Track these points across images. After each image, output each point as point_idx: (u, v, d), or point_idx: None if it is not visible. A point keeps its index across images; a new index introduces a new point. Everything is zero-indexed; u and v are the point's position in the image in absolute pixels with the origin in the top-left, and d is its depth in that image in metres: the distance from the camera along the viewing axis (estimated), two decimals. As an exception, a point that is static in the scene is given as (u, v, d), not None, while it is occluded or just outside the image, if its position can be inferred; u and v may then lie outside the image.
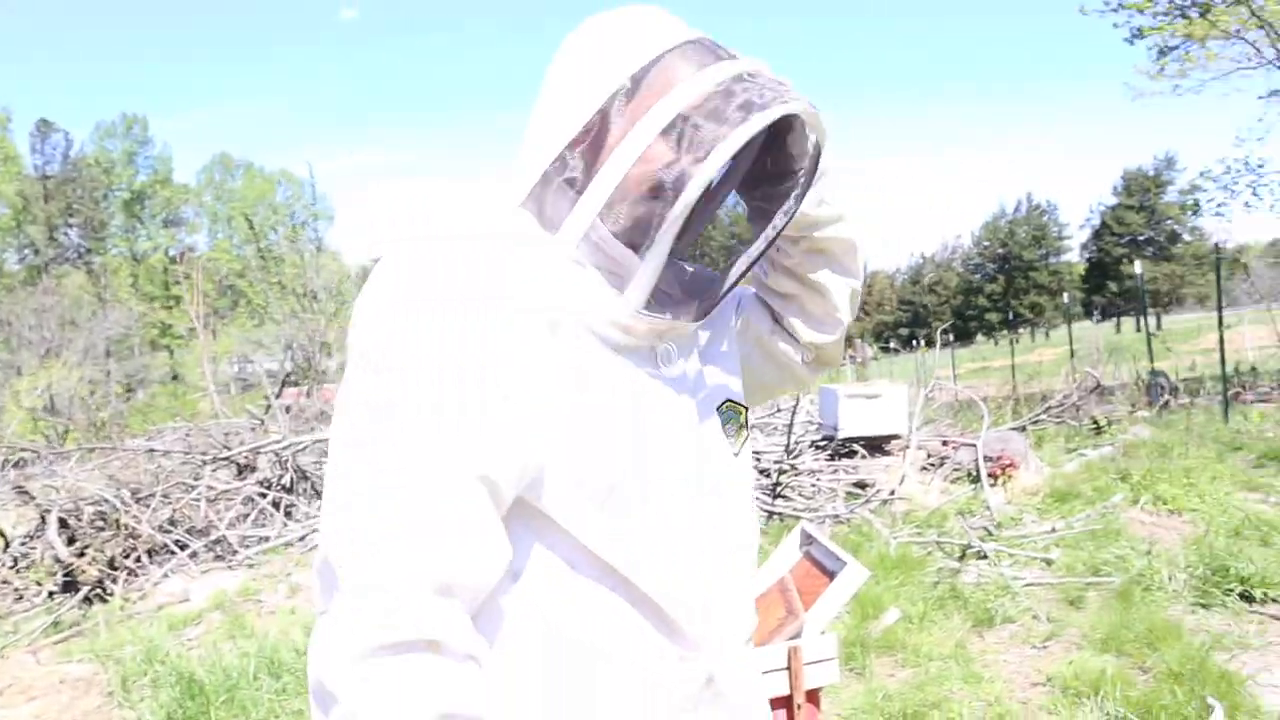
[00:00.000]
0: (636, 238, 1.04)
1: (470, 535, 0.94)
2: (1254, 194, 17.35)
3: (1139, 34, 16.26)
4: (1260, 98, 16.34)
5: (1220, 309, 11.27)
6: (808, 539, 3.59)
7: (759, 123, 1.00)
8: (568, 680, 1.05)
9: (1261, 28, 12.85)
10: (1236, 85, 16.62)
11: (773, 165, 1.17)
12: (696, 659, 1.11)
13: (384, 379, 0.95)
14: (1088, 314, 52.35)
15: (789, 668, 2.91)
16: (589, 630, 1.05)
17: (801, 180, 1.14)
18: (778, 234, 1.16)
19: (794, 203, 1.14)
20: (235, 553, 6.93)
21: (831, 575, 3.32)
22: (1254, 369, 16.01)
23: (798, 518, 6.58)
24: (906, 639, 4.48)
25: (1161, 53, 16.48)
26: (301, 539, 7.24)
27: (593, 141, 1.07)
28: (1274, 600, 4.73)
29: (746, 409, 1.29)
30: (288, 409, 9.38)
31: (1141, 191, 69.61)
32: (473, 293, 0.98)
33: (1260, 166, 17.02)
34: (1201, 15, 15.02)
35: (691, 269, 1.22)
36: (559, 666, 1.05)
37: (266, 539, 7.18)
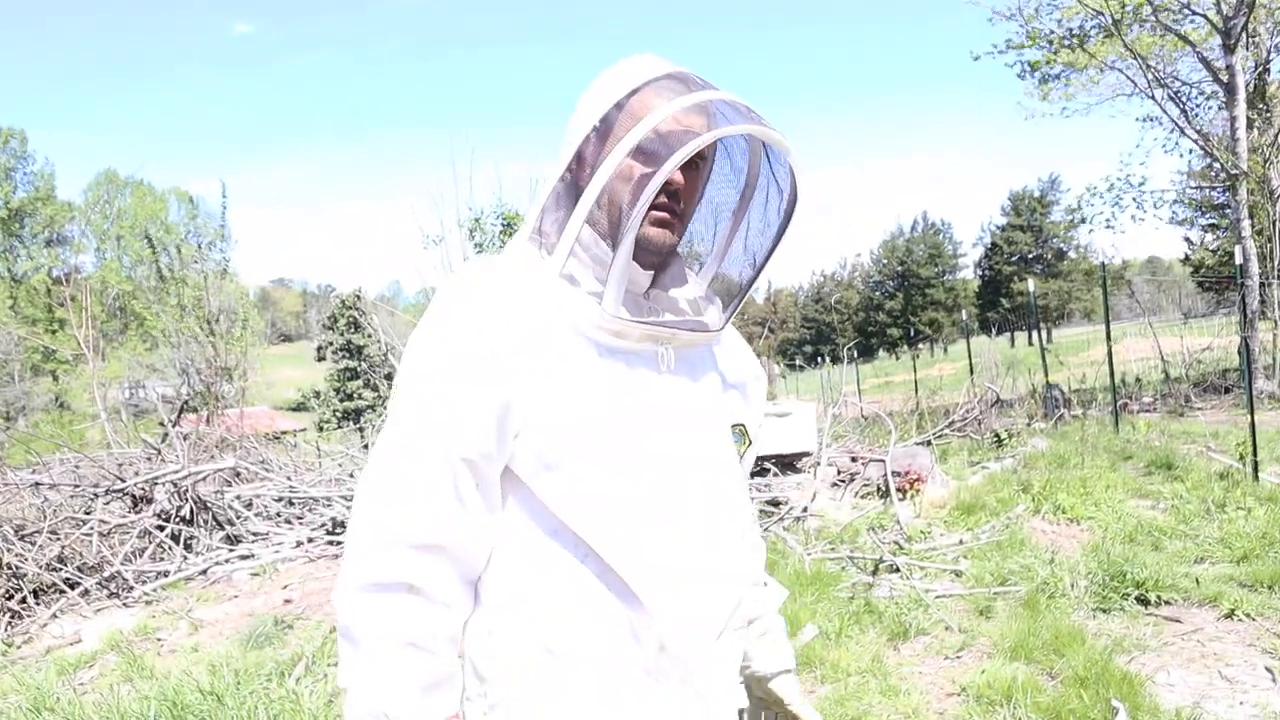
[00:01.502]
0: (615, 240, 1.27)
1: (445, 502, 1.21)
2: (1138, 207, 18.45)
3: (1031, 68, 17.07)
4: (1138, 119, 17.32)
5: (1108, 324, 11.81)
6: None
7: (709, 138, 1.20)
8: (535, 636, 1.25)
9: (1134, 59, 13.61)
10: (1122, 108, 17.61)
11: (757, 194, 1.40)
12: (650, 626, 1.25)
13: (400, 381, 1.25)
14: (984, 329, 54.31)
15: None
16: (557, 592, 1.25)
17: (783, 208, 1.35)
18: (763, 260, 1.38)
19: (780, 225, 1.36)
20: (131, 589, 6.60)
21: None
22: (1138, 380, 16.83)
23: (714, 536, 6.61)
24: (825, 655, 4.53)
25: (1044, 79, 17.34)
26: (203, 573, 6.94)
27: (579, 169, 1.30)
28: (1167, 602, 4.95)
29: (750, 439, 1.49)
30: (186, 437, 9.00)
31: (1029, 211, 72.68)
32: (468, 312, 1.23)
33: (1142, 183, 18.08)
34: (1080, 47, 15.85)
35: (676, 292, 1.40)
36: (530, 624, 1.25)
37: (165, 574, 6.86)
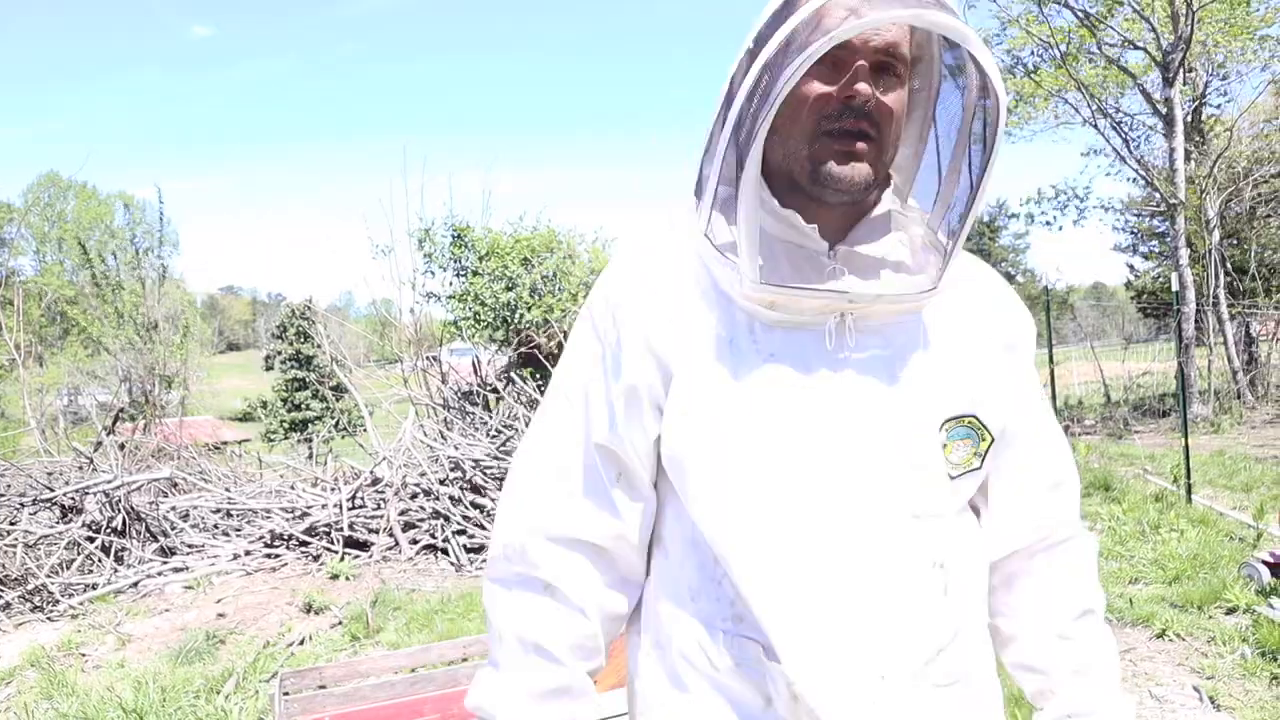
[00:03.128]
0: (782, 177, 1.09)
1: (582, 498, 1.14)
2: (1080, 214, 19.18)
3: None
4: (1082, 154, 17.90)
5: (1051, 347, 12.04)
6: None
7: (830, 41, 0.93)
8: (660, 640, 1.16)
9: (1079, 90, 13.97)
10: (1065, 135, 18.23)
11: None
12: (782, 675, 1.05)
13: (559, 363, 1.21)
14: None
15: None
16: (685, 595, 1.14)
17: (976, 116, 1.06)
18: (972, 198, 1.06)
19: (980, 150, 1.06)
20: (57, 603, 6.38)
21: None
22: (1080, 402, 17.17)
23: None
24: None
25: None
26: (134, 585, 6.74)
27: (729, 103, 1.04)
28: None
29: (987, 430, 1.12)
30: (122, 446, 8.76)
31: (977, 235, 74.11)
32: (605, 292, 1.15)
33: (1086, 189, 18.87)
34: (1028, 75, 16.25)
35: (872, 247, 1.12)
36: (657, 627, 1.17)
37: (94, 586, 6.65)
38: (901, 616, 1.06)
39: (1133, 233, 28.29)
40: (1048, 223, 19.84)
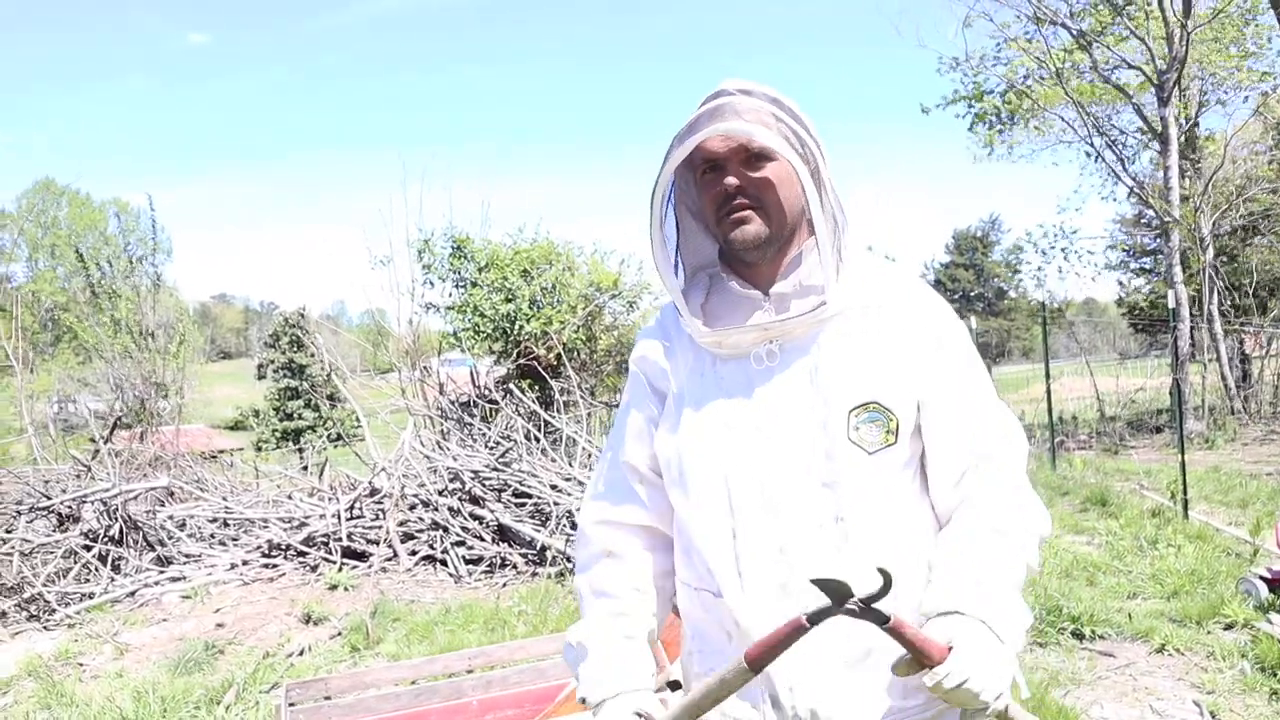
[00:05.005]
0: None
1: (619, 497, 1.62)
2: (1065, 258, 18.96)
3: (978, 118, 17.56)
4: (1081, 168, 17.93)
5: (1047, 362, 12.09)
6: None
7: (668, 164, 1.45)
8: (681, 601, 1.60)
9: (1076, 107, 14.07)
10: (1062, 155, 18.21)
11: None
12: (722, 606, 1.45)
13: None
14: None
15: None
16: (684, 577, 1.57)
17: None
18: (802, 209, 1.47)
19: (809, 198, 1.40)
20: (53, 612, 6.36)
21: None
22: (1075, 418, 17.22)
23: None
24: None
25: (990, 125, 17.82)
26: (131, 594, 6.71)
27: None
28: (1101, 637, 5.03)
29: (892, 413, 1.43)
30: (118, 454, 8.73)
31: (970, 250, 74.33)
32: (635, 354, 1.65)
33: (1074, 233, 18.61)
34: (1025, 95, 16.37)
35: (790, 283, 1.50)
36: (682, 601, 1.60)
37: (91, 595, 6.62)
38: (807, 561, 1.39)
39: (1125, 250, 28.39)
40: (1035, 277, 19.89)
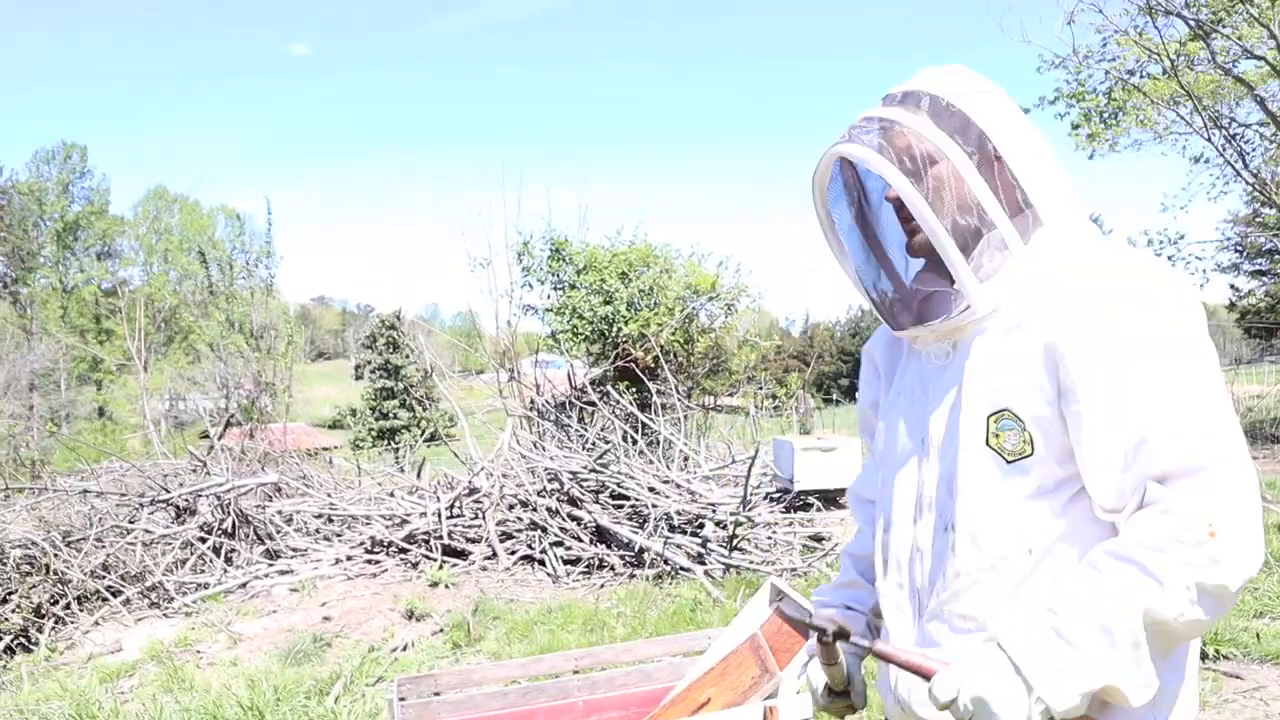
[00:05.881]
0: None
1: (863, 473, 1.84)
2: (1172, 264, 17.94)
3: (1084, 118, 16.89)
4: (1192, 160, 17.01)
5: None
6: (778, 594, 3.53)
7: (815, 181, 1.55)
8: None
9: (1191, 100, 13.44)
10: (1169, 149, 17.30)
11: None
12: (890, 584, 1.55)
13: None
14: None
15: (766, 729, 2.84)
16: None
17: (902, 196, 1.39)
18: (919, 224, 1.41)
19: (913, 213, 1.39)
20: (171, 600, 6.64)
21: (804, 631, 3.26)
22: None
23: (755, 570, 6.53)
24: (871, 697, 4.42)
25: (1090, 121, 17.11)
26: (242, 586, 6.96)
27: None
28: (1225, 657, 4.79)
29: (1023, 421, 1.33)
30: (231, 450, 9.08)
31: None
32: (865, 351, 1.80)
33: (1180, 238, 17.62)
34: (1135, 88, 15.70)
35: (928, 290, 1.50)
36: None
37: (205, 585, 6.89)
38: (921, 566, 1.45)
39: (1237, 250, 27.08)
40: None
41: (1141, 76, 14.89)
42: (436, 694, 3.53)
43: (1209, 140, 14.03)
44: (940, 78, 1.43)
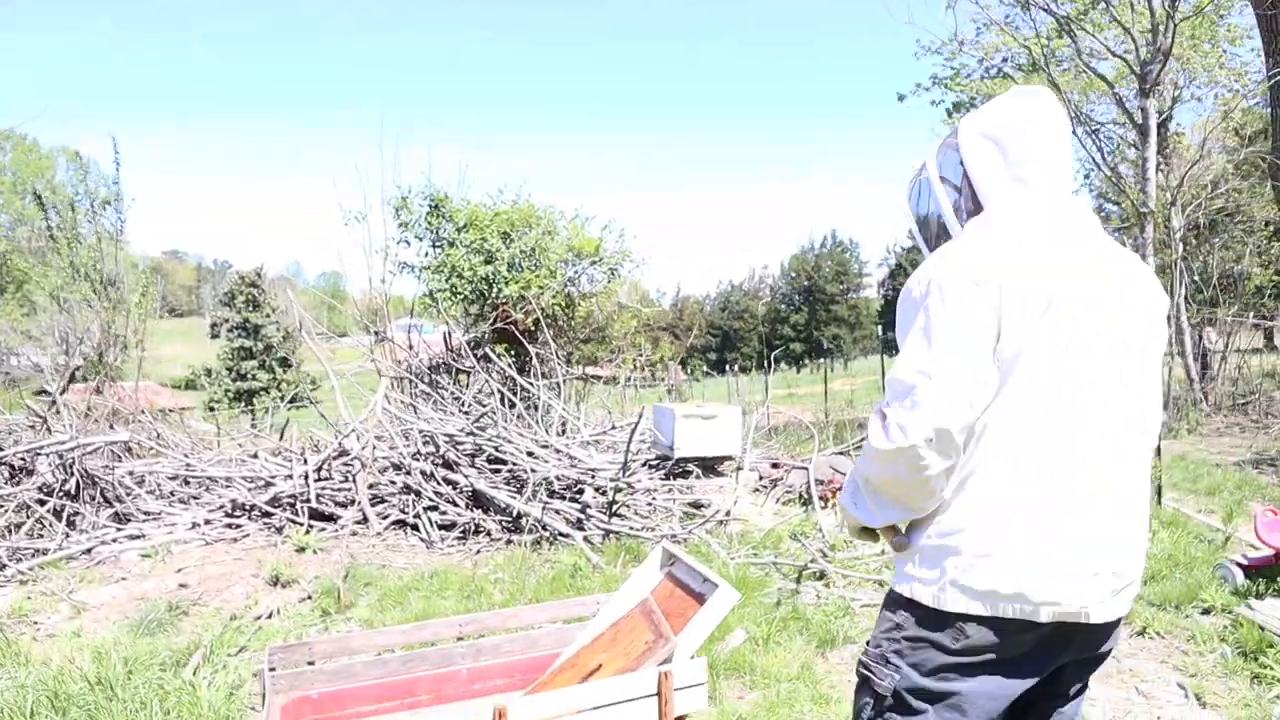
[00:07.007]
0: None
1: None
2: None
3: (954, 109, 17.48)
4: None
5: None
6: (669, 559, 3.48)
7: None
8: None
9: (1058, 91, 14.08)
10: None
11: None
12: None
13: None
14: (886, 348, 55.64)
15: (659, 693, 2.78)
16: None
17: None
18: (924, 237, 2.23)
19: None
20: (4, 567, 6.10)
21: (697, 596, 3.22)
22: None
23: (635, 537, 6.49)
24: (754, 661, 4.45)
25: (962, 111, 17.80)
26: (87, 552, 6.46)
27: None
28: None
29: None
30: (75, 407, 8.41)
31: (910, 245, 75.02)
32: None
33: None
34: (1004, 77, 16.35)
35: None
36: None
37: (44, 552, 6.36)
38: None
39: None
40: None
41: (1015, 67, 15.50)
42: (310, 663, 3.32)
43: (1074, 135, 14.73)
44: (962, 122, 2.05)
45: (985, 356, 1.69)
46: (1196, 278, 16.08)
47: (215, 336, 48.31)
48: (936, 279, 1.76)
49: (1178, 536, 6.47)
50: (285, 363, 44.72)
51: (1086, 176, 19.01)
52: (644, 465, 8.22)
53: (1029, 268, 1.72)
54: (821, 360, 63.10)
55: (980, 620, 1.74)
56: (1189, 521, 6.96)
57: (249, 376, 44.32)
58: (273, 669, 3.19)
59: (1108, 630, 1.88)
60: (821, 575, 5.72)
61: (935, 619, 1.78)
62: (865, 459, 1.83)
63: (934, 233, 2.09)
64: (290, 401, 18.87)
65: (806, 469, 7.58)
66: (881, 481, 1.81)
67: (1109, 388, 1.76)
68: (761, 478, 8.02)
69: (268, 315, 45.41)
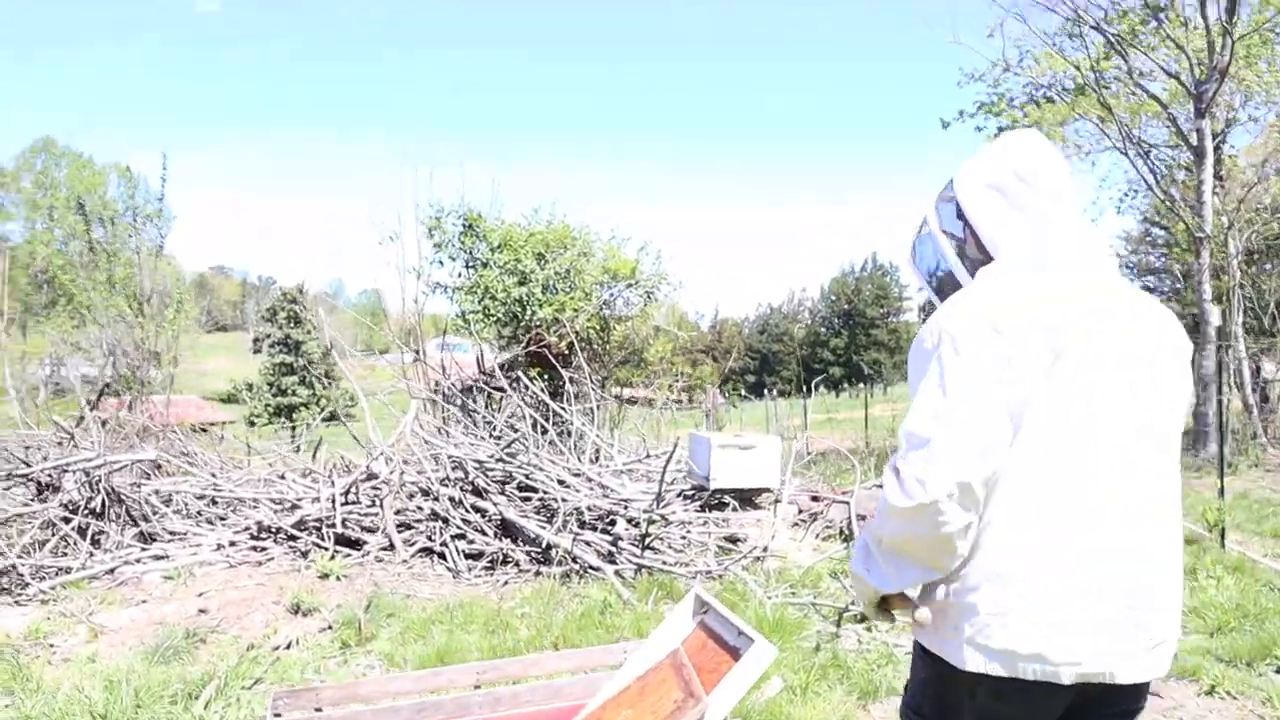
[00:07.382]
0: None
1: None
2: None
3: (999, 134, 17.12)
4: (1100, 179, 17.45)
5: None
6: (702, 607, 3.23)
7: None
8: None
9: (1109, 116, 13.70)
10: (1083, 166, 17.73)
11: None
12: None
13: None
14: (925, 373, 54.93)
15: (690, 759, 2.54)
16: None
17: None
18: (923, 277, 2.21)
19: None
20: (26, 586, 6.00)
21: (731, 650, 2.97)
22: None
23: (668, 572, 6.24)
24: (790, 712, 4.18)
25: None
26: (110, 572, 6.35)
27: None
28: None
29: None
30: (104, 423, 8.35)
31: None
32: None
33: None
34: (1050, 101, 15.99)
35: None
36: None
37: (68, 570, 6.25)
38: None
39: (1128, 267, 28.21)
40: None
41: (1062, 90, 15.14)
42: (318, 710, 3.12)
43: (1125, 155, 14.33)
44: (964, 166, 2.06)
45: (1001, 406, 1.66)
46: (1254, 305, 15.51)
47: (257, 352, 48.94)
48: (948, 328, 1.74)
49: (1245, 584, 6.09)
50: (326, 378, 45.14)
51: (1124, 197, 18.50)
52: (679, 496, 7.97)
53: (1040, 313, 1.71)
54: (861, 385, 62.45)
55: (1000, 680, 1.69)
56: (1255, 567, 6.56)
57: (289, 392, 44.76)
58: (277, 715, 2.99)
59: (1137, 691, 1.82)
60: (863, 618, 5.43)
61: (957, 678, 1.75)
62: (880, 518, 1.77)
63: (943, 284, 2.08)
64: (328, 419, 18.89)
65: (848, 503, 7.28)
66: (899, 541, 1.75)
67: (1119, 400, 1.73)
68: (801, 511, 7.73)
69: (308, 331, 45.90)
